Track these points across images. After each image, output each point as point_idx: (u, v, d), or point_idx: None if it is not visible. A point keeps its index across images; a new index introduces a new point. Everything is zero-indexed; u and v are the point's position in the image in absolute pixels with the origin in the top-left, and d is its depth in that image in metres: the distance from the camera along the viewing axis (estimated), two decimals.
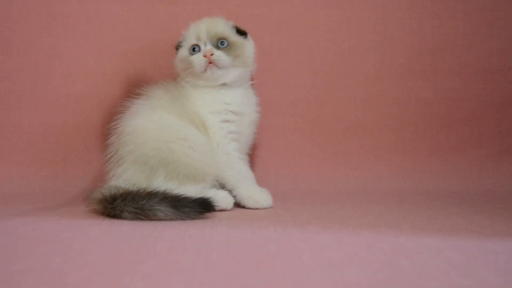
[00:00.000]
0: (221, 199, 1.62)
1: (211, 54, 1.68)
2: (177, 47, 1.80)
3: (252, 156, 1.93)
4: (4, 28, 2.10)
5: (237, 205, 1.69)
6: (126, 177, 1.60)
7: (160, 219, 1.44)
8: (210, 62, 1.68)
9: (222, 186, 1.71)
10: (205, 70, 1.70)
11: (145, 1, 2.12)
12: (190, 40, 1.75)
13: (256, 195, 1.70)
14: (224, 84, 1.75)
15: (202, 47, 1.72)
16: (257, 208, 1.68)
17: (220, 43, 1.72)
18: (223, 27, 1.75)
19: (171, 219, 1.44)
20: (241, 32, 1.79)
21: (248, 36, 1.81)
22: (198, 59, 1.70)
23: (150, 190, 1.48)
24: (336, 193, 2.01)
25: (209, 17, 1.79)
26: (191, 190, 1.54)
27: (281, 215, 1.55)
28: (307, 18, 2.18)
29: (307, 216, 1.53)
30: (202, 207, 1.47)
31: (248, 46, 1.78)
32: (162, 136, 1.61)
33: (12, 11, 2.10)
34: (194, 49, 1.73)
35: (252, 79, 1.85)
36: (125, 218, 1.44)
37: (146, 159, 1.58)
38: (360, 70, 2.20)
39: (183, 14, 2.09)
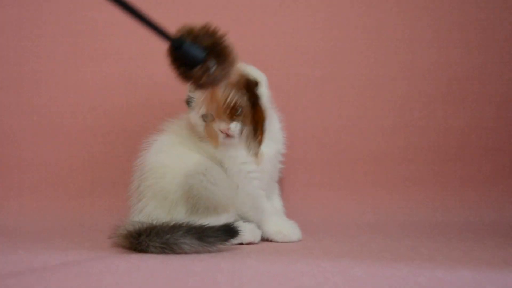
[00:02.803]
0: (248, 231, 1.60)
1: (228, 129, 1.61)
2: (187, 102, 1.69)
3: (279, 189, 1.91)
4: (32, 64, 2.14)
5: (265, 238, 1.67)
6: (146, 212, 1.59)
7: (186, 252, 1.42)
8: (227, 135, 1.62)
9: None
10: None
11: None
12: (201, 108, 1.64)
13: (284, 229, 1.67)
14: None
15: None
16: (286, 242, 1.65)
17: (235, 111, 1.62)
18: (237, 93, 1.64)
19: (197, 252, 1.42)
20: (253, 85, 1.66)
21: (261, 80, 1.68)
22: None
23: (174, 223, 1.47)
24: (364, 225, 1.98)
25: None
26: (213, 222, 1.52)
27: (311, 248, 1.52)
28: (334, 48, 2.18)
29: (338, 248, 1.51)
30: (227, 234, 1.45)
31: (262, 101, 1.67)
32: (180, 170, 1.59)
33: (41, 47, 2.14)
34: (207, 116, 1.63)
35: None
36: (152, 253, 1.43)
37: (165, 194, 1.58)
38: (388, 99, 2.18)
39: None
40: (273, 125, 1.78)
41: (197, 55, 1.24)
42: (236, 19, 2.17)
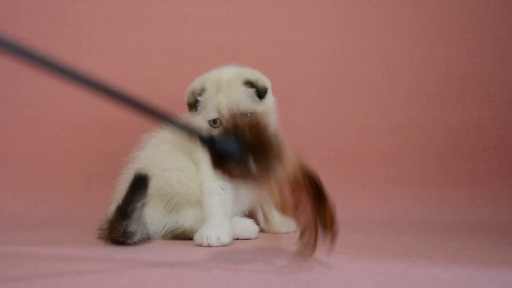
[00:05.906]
0: (245, 228, 1.60)
1: None
2: (191, 106, 1.66)
3: None
4: None
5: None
6: None
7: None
8: None
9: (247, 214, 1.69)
10: None
11: (169, 28, 2.14)
12: (210, 113, 1.61)
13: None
14: None
15: (224, 122, 1.60)
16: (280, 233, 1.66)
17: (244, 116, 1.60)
18: (245, 99, 1.61)
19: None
20: (263, 92, 1.63)
21: (268, 87, 1.66)
22: None
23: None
24: (361, 222, 1.98)
25: (228, 81, 1.62)
26: (190, 215, 1.55)
27: None
28: (333, 46, 2.18)
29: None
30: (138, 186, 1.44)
31: (269, 107, 1.65)
32: (160, 164, 1.61)
33: (37, 38, 2.13)
34: (215, 121, 1.61)
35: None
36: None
37: None
38: (387, 98, 2.19)
39: (208, 41, 2.11)
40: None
41: (231, 152, 1.14)
42: (236, 15, 2.16)
